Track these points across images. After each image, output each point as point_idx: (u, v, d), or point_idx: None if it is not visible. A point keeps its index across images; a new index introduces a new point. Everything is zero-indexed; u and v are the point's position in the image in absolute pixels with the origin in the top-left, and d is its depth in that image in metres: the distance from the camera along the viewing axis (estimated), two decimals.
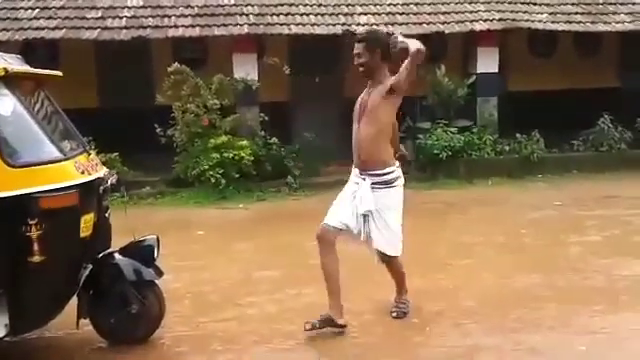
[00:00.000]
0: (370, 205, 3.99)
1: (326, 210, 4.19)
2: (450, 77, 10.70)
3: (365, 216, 4.03)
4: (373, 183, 4.02)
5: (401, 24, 10.64)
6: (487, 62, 10.99)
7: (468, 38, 11.29)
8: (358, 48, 4.03)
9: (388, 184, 4.05)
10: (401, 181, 4.14)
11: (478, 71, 10.99)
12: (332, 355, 3.90)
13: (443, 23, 10.74)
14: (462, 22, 10.81)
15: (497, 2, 11.31)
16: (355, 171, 4.16)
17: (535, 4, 11.38)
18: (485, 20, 10.83)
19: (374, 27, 4.20)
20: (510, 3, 11.30)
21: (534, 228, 6.99)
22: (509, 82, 12.26)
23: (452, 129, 10.42)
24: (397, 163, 4.15)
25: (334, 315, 4.04)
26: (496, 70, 11.08)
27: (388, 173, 4.04)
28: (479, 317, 4.38)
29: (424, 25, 10.68)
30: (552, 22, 10.99)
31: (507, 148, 10.69)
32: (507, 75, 12.11)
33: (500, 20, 10.84)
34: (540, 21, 10.96)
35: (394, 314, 4.23)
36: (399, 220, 4.15)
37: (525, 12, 11.13)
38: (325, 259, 4.04)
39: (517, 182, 10.06)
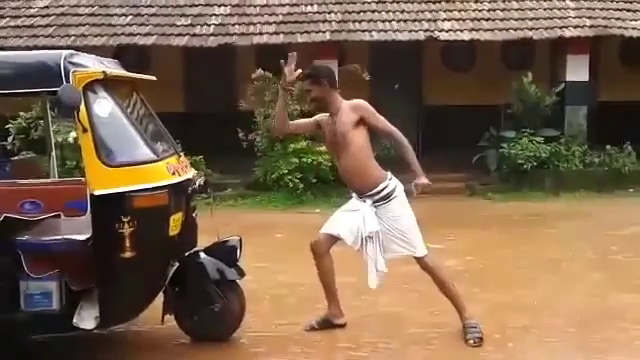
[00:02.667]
0: (375, 226, 4.02)
1: None
2: (537, 85, 10.35)
3: (370, 237, 4.02)
4: (374, 202, 4.06)
5: (486, 30, 10.42)
6: (577, 70, 10.56)
7: (557, 45, 10.90)
8: (306, 85, 4.20)
9: (388, 198, 4.06)
10: (399, 189, 4.11)
11: (567, 79, 10.58)
12: None
13: (531, 29, 10.43)
14: (551, 28, 10.45)
15: (588, 8, 10.87)
16: (354, 195, 4.20)
17: (629, 10, 10.86)
18: (575, 26, 10.42)
19: (314, 65, 4.40)
20: (602, 9, 10.84)
21: (626, 245, 6.63)
22: (600, 91, 11.73)
23: (538, 139, 10.07)
24: (389, 174, 4.12)
25: (332, 317, 4.32)
26: (586, 78, 10.63)
27: (383, 189, 4.06)
28: (565, 335, 4.21)
29: (511, 31, 10.41)
30: None
31: (597, 160, 10.24)
32: (598, 84, 11.60)
33: (592, 27, 10.39)
34: (634, 28, 10.41)
35: (470, 342, 4.00)
36: (413, 220, 4.12)
37: (618, 19, 10.63)
38: (320, 267, 4.24)
39: (607, 196, 9.62)
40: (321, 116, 4.29)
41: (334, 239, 4.19)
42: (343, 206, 4.32)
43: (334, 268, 4.26)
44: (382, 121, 4.08)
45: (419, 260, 4.13)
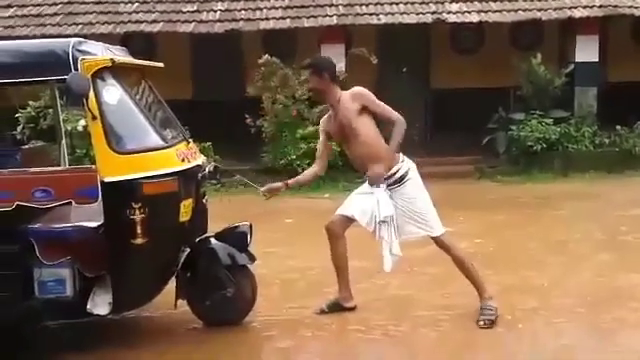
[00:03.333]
0: (389, 211, 4.01)
1: None
2: (546, 66, 10.25)
3: (384, 222, 4.02)
4: (388, 185, 4.06)
5: (495, 11, 10.32)
6: (587, 51, 10.46)
7: (566, 25, 10.78)
8: (307, 75, 4.24)
9: (401, 181, 4.06)
10: (413, 170, 4.12)
11: (577, 60, 10.49)
12: (420, 349, 3.88)
13: (539, 10, 10.33)
14: (560, 9, 10.35)
15: None
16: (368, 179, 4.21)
17: None
18: (585, 7, 10.30)
19: (317, 56, 4.43)
20: None
21: (635, 225, 6.59)
22: (610, 72, 11.61)
23: (547, 120, 10.01)
24: (401, 156, 4.12)
25: (342, 300, 4.35)
26: (596, 59, 10.53)
27: (397, 172, 4.06)
28: (574, 316, 4.22)
29: (519, 12, 10.31)
30: None
31: (607, 141, 10.17)
32: (608, 65, 11.47)
33: (601, 7, 10.26)
34: None
35: (481, 323, 4.02)
36: (428, 200, 4.13)
37: None
38: (334, 249, 4.27)
39: (617, 177, 9.57)
40: (323, 123, 4.32)
41: (349, 221, 4.21)
42: (359, 188, 4.33)
43: (346, 250, 4.28)
44: (382, 107, 4.09)
45: (436, 239, 4.14)
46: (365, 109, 4.07)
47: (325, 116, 4.33)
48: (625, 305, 4.34)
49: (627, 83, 11.29)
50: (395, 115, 4.06)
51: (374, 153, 4.07)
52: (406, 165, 4.10)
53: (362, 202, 4.15)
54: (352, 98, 4.09)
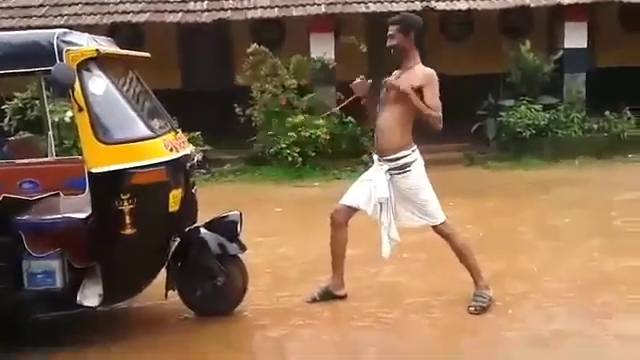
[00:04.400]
0: (384, 192, 4.02)
1: None
2: (535, 53, 10.26)
3: (382, 204, 4.03)
4: (390, 169, 4.05)
5: None
6: (575, 37, 10.46)
7: (555, 12, 10.78)
8: (392, 30, 4.07)
9: (403, 169, 4.03)
10: (418, 164, 4.09)
11: (566, 46, 10.49)
12: (410, 334, 3.89)
13: None
14: None
15: None
16: (376, 157, 4.20)
17: None
18: None
19: (408, 13, 4.26)
20: None
21: (625, 210, 6.64)
22: (598, 58, 11.64)
23: (537, 106, 10.03)
24: (414, 147, 4.09)
25: (334, 288, 4.34)
26: (585, 45, 10.54)
27: (401, 157, 4.03)
28: (564, 301, 4.25)
29: None
30: None
31: (595, 126, 10.23)
32: (596, 50, 11.49)
33: None
34: None
35: (471, 309, 4.04)
36: (431, 191, 4.11)
37: None
38: (333, 238, 4.26)
39: (606, 162, 9.62)
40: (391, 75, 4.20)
41: (353, 210, 4.21)
42: (362, 175, 4.33)
43: (346, 240, 4.28)
44: (433, 97, 3.97)
45: (435, 228, 4.14)
46: (420, 91, 3.98)
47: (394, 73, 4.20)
48: (615, 289, 4.38)
49: (615, 69, 11.35)
50: (438, 109, 3.97)
51: (392, 128, 4.03)
52: (413, 156, 4.06)
53: (364, 189, 4.15)
54: (423, 74, 4.00)
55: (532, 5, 10.25)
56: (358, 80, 4.18)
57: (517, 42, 10.41)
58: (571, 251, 5.34)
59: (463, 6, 10.22)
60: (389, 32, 4.08)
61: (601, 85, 10.51)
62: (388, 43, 4.09)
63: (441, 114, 3.98)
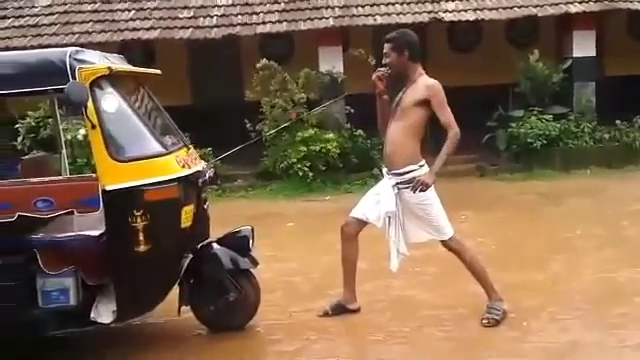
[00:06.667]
0: (392, 206, 4.01)
1: None
2: (544, 62, 10.25)
3: (389, 218, 4.03)
4: (397, 183, 4.04)
5: (491, 9, 10.31)
6: (584, 46, 10.45)
7: (562, 21, 10.78)
8: (386, 48, 4.10)
9: (410, 183, 3.98)
10: None
11: (574, 55, 10.48)
12: (424, 348, 3.87)
13: (535, 6, 10.30)
14: (556, 4, 10.32)
15: None
16: (385, 170, 4.20)
17: None
18: (581, 2, 10.28)
19: (404, 29, 4.26)
20: None
21: (638, 220, 6.59)
22: (607, 66, 11.62)
23: (547, 116, 10.00)
24: (422, 161, 4.07)
25: (346, 302, 4.34)
26: (594, 54, 10.52)
27: (409, 172, 4.01)
28: (579, 312, 4.22)
29: (515, 9, 10.29)
30: None
31: (607, 136, 10.16)
32: (605, 59, 11.48)
33: (597, 1, 10.25)
34: None
35: (484, 321, 4.02)
36: (439, 206, 4.08)
37: None
38: (344, 251, 4.27)
39: (617, 172, 9.55)
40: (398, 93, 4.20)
41: (363, 223, 4.22)
42: (372, 188, 4.34)
43: (357, 252, 4.28)
44: (445, 111, 3.95)
45: (445, 243, 4.13)
46: (428, 104, 3.97)
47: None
48: (630, 300, 4.34)
49: (624, 77, 11.31)
50: (452, 125, 3.94)
51: (400, 143, 4.03)
52: (421, 171, 4.02)
53: (372, 202, 4.16)
54: (424, 87, 4.00)
55: (539, 14, 10.25)
56: (379, 73, 4.11)
57: (525, 52, 10.40)
58: (585, 262, 5.30)
59: (470, 17, 10.24)
60: (384, 50, 4.12)
61: (610, 94, 10.49)
62: (383, 61, 4.13)
63: (456, 127, 3.95)
